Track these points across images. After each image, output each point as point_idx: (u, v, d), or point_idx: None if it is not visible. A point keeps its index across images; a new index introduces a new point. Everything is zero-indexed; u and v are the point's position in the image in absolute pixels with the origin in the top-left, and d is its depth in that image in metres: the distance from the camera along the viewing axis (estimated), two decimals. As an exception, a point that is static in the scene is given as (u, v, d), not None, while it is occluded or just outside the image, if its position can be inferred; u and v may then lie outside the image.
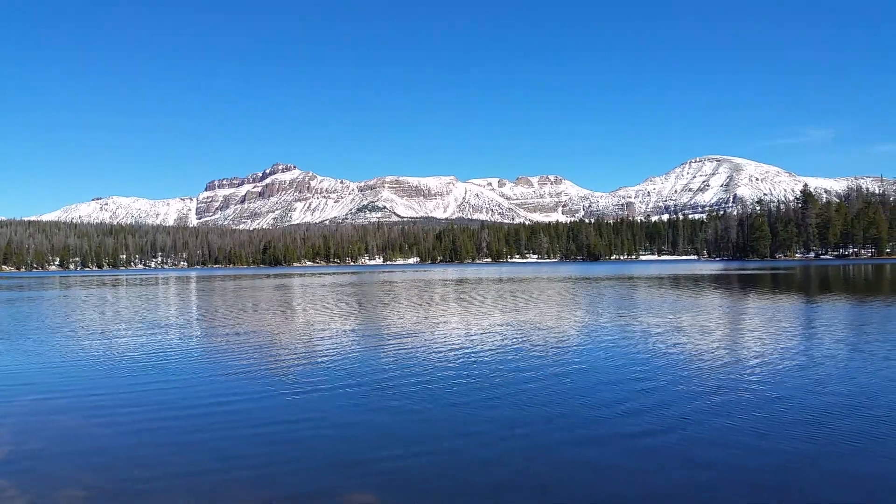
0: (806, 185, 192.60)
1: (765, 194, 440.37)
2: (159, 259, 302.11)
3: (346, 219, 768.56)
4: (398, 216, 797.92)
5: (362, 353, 13.81)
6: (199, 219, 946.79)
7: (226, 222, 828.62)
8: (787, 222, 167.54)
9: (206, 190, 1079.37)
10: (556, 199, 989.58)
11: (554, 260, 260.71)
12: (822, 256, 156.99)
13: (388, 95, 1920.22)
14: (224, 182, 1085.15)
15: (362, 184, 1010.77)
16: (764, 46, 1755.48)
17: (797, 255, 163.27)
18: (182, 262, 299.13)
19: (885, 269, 70.54)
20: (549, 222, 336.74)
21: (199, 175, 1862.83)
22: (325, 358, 13.21)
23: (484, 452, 6.76)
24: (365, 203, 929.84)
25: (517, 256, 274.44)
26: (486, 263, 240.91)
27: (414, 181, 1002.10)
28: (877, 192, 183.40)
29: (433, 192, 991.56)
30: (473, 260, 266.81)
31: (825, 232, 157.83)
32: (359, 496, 5.67)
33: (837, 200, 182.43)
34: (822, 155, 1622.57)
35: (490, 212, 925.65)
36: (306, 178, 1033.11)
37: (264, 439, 7.38)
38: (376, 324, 20.79)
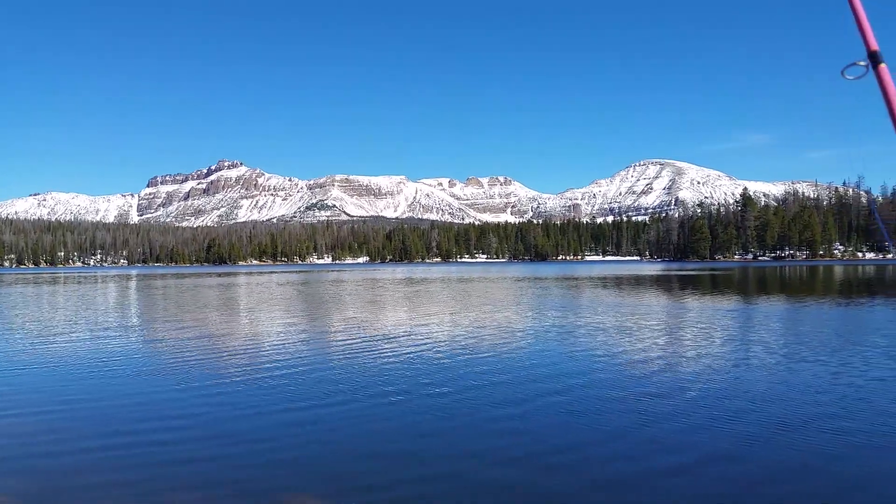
0: (745, 188, 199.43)
1: (706, 197, 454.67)
2: (99, 257, 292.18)
3: (295, 217, 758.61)
4: (348, 215, 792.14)
5: (310, 359, 13.48)
6: (141, 216, 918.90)
7: (168, 219, 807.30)
8: (727, 225, 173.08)
9: (148, 186, 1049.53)
10: (506, 200, 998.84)
11: (502, 260, 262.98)
12: (759, 258, 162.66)
13: (337, 94, 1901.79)
14: (167, 178, 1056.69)
15: (311, 182, 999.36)
16: (706, 53, 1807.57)
17: (736, 256, 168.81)
18: (122, 260, 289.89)
19: (819, 271, 73.43)
20: (499, 223, 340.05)
21: (140, 171, 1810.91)
22: (273, 368, 12.85)
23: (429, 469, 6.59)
24: (314, 201, 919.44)
25: (466, 256, 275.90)
26: (436, 263, 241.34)
27: (364, 180, 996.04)
28: (812, 196, 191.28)
29: (384, 191, 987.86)
30: (423, 259, 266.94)
31: (763, 234, 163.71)
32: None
33: (775, 204, 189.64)
34: (761, 160, 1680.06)
35: (440, 212, 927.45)
36: (253, 176, 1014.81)
37: (207, 454, 7.04)
38: (323, 325, 20.42)
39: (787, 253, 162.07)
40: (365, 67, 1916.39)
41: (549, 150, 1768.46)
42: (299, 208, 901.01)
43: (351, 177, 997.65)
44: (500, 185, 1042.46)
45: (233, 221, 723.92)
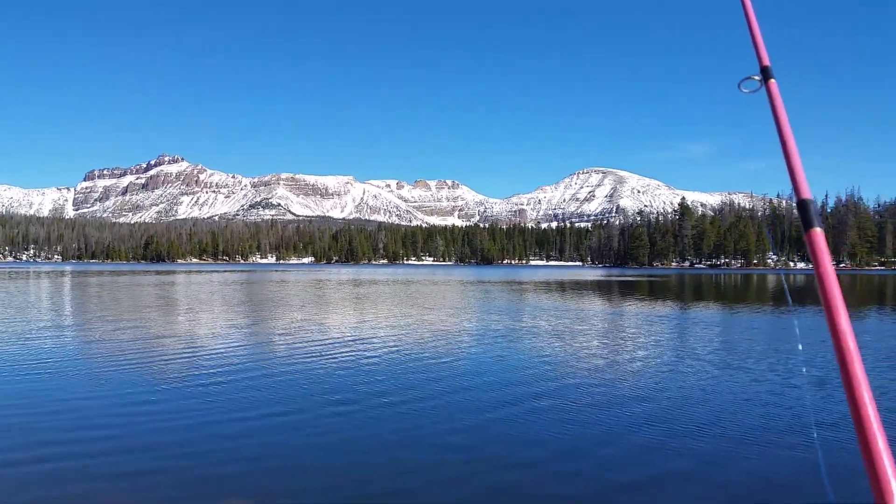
0: (683, 198, 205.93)
1: (645, 206, 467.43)
2: (31, 252, 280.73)
3: (238, 215, 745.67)
4: (293, 214, 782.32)
5: (250, 365, 13.35)
6: (77, 210, 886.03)
7: (105, 215, 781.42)
8: (665, 233, 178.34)
9: (84, 180, 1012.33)
10: (453, 204, 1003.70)
11: (449, 263, 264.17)
12: (696, 266, 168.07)
13: (284, 91, 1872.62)
14: (105, 172, 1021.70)
15: (256, 179, 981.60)
16: (647, 59, 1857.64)
17: (673, 263, 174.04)
18: (56, 256, 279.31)
19: (752, 279, 76.39)
20: (446, 226, 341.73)
21: (77, 164, 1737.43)
22: (211, 375, 12.66)
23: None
24: (258, 199, 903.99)
25: (413, 258, 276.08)
26: (383, 265, 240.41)
27: (311, 179, 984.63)
28: (747, 206, 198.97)
29: (331, 191, 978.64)
30: (370, 261, 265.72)
31: (700, 243, 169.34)
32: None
33: (712, 214, 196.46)
34: (700, 169, 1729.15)
35: (388, 213, 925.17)
36: (195, 171, 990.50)
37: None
38: (266, 328, 20.21)
39: (722, 261, 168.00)
40: (314, 65, 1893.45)
41: (496, 155, 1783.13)
42: (242, 206, 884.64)
43: (297, 175, 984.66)
44: (448, 188, 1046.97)
45: (172, 218, 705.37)
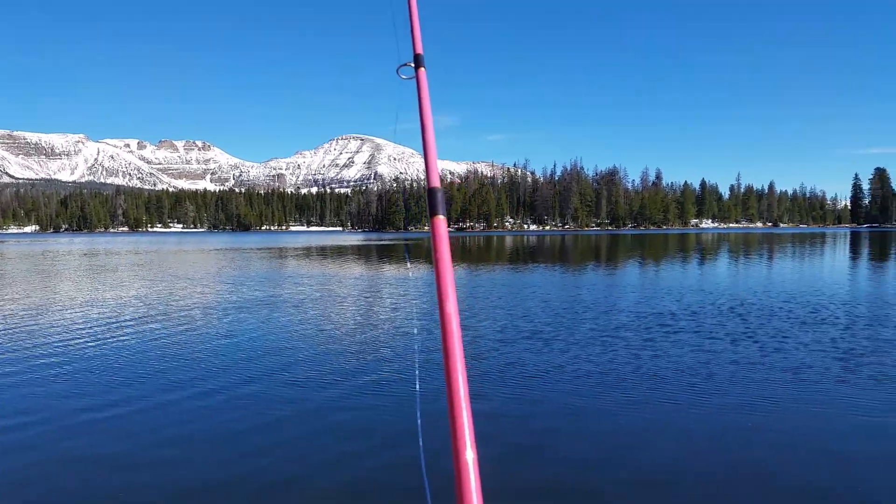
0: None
1: (401, 173, 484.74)
2: None
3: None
4: (11, 177, 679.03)
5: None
6: None
7: None
8: (418, 199, 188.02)
9: None
10: (205, 167, 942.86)
11: (202, 230, 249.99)
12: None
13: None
14: None
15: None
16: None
17: (426, 227, 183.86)
18: None
19: (493, 240, 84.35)
20: (196, 190, 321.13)
21: None
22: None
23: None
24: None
25: (159, 226, 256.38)
26: (124, 233, 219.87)
27: (34, 137, 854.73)
28: (489, 175, 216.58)
29: (58, 150, 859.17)
30: (107, 229, 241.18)
31: (448, 208, 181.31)
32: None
33: (459, 181, 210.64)
34: (449, 140, 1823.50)
35: (128, 176, 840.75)
36: None
37: None
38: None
39: (467, 224, 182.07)
40: (34, 13, 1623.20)
41: (251, 118, 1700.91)
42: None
43: (16, 133, 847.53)
44: (198, 149, 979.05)
45: None
